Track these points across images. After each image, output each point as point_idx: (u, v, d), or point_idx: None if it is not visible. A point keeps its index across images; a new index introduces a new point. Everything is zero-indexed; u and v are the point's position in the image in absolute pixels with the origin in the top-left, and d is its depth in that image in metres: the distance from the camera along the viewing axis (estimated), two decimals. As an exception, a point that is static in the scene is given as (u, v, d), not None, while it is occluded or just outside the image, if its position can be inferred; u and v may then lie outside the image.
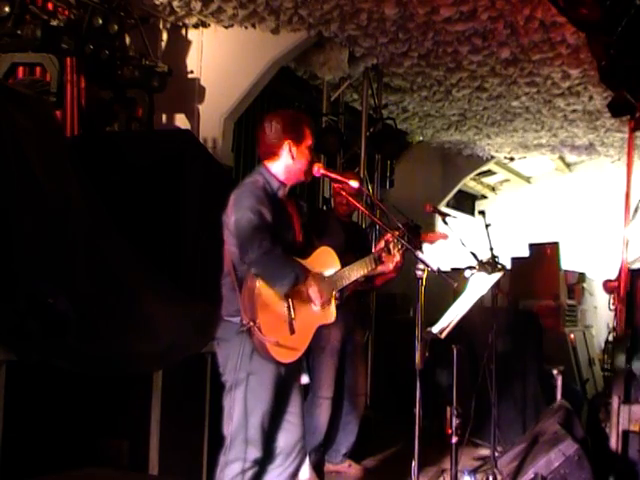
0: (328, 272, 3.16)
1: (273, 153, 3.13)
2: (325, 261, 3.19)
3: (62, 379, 3.23)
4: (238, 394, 2.96)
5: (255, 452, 2.98)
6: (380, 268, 3.38)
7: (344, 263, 3.28)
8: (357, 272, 3.27)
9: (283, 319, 2.94)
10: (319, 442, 4.73)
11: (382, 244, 3.35)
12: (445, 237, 4.59)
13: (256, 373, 2.95)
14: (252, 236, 2.90)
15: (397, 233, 3.30)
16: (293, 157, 3.11)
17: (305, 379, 3.20)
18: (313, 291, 3.00)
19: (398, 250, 3.32)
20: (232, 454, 2.96)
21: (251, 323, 2.85)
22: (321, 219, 4.88)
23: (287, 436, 3.11)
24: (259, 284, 2.90)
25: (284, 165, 3.13)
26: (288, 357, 2.99)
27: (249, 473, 2.98)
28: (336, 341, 4.68)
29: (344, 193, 3.62)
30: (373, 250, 3.41)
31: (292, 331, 2.95)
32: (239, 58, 6.47)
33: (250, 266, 2.92)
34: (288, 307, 2.94)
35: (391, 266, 3.36)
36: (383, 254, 3.33)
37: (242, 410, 2.95)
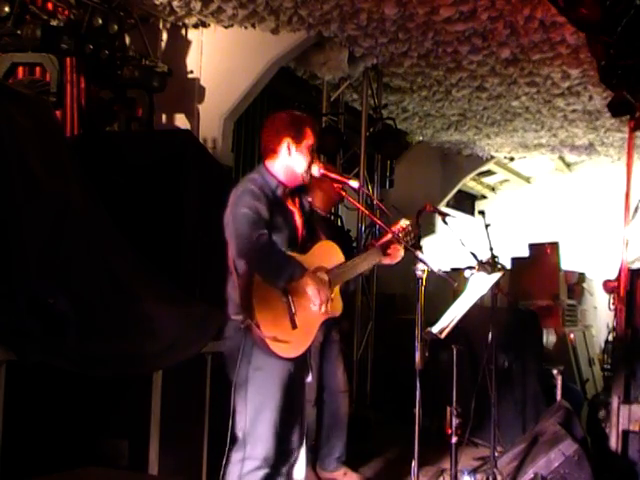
0: (330, 265, 3.12)
1: (272, 150, 3.12)
2: (326, 254, 3.15)
3: (62, 379, 3.23)
4: (246, 391, 2.95)
5: (267, 450, 2.96)
6: (385, 261, 3.30)
7: None
8: (362, 265, 3.23)
9: (284, 314, 2.92)
10: (309, 445, 4.70)
11: (389, 236, 3.26)
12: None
13: (262, 369, 2.93)
14: (248, 232, 2.90)
15: (402, 227, 3.26)
16: (291, 155, 3.10)
17: (309, 377, 3.17)
18: (311, 290, 2.96)
19: (407, 242, 3.25)
20: (243, 452, 2.94)
21: (249, 320, 2.84)
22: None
23: (293, 432, 3.13)
24: (256, 280, 2.89)
25: (283, 164, 3.12)
26: (292, 352, 2.96)
27: (261, 472, 2.97)
28: (318, 343, 4.63)
29: (344, 193, 3.57)
30: (378, 243, 3.33)
31: (294, 326, 2.93)
32: (239, 58, 6.47)
33: (245, 262, 2.92)
34: (288, 302, 2.92)
35: (394, 261, 3.28)
36: (391, 247, 3.26)
37: (252, 407, 2.94)
